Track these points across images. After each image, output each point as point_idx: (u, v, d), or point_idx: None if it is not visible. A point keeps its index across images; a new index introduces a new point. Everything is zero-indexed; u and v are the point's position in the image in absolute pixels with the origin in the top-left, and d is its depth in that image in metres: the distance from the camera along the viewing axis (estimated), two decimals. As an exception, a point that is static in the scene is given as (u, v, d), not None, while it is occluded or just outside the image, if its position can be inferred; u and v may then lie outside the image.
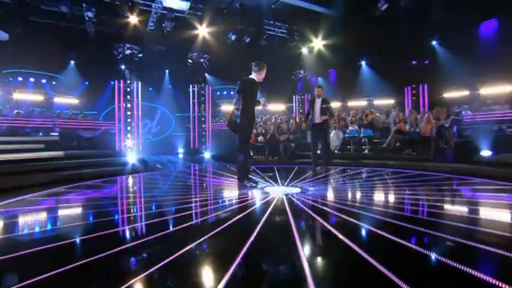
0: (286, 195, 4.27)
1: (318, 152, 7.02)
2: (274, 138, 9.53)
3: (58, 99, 12.30)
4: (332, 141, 9.41)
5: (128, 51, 11.06)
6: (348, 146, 9.50)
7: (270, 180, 5.66)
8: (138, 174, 7.63)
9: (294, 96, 14.36)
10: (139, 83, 11.36)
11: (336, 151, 9.34)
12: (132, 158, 9.81)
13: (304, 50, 13.96)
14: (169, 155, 14.14)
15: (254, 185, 4.92)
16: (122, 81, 10.80)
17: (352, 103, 13.98)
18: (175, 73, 15.44)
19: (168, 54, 13.84)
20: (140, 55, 11.46)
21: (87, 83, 13.78)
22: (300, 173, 6.71)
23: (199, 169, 8.49)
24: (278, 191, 4.57)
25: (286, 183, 5.31)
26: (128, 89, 10.96)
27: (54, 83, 13.08)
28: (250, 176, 5.28)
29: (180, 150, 14.88)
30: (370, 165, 7.70)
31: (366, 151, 9.11)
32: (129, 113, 10.92)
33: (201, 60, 12.90)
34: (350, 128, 9.73)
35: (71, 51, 12.69)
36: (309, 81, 15.06)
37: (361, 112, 10.72)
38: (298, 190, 4.65)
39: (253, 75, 4.84)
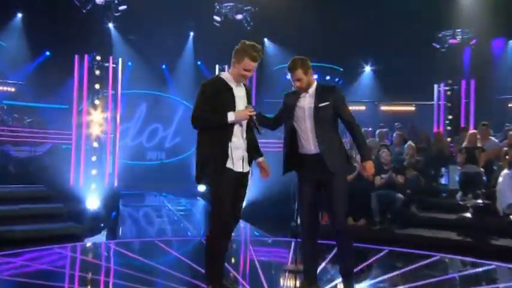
0: None
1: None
2: (362, 179, 8.64)
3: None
4: (501, 193, 8.68)
5: (100, 0, 11.08)
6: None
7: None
8: (81, 243, 7.80)
9: (435, 86, 14.27)
10: (120, 59, 11.56)
11: (510, 215, 8.61)
12: (93, 202, 9.93)
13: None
14: (181, 195, 13.92)
15: None
16: (86, 55, 10.80)
17: None
18: (206, 38, 15.64)
19: (189, 4, 14.03)
20: (123, 7, 11.41)
21: (48, 53, 14.43)
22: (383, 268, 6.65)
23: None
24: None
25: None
26: (98, 72, 10.94)
27: None
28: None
29: (202, 187, 14.56)
30: None
31: None
32: (97, 116, 10.83)
33: (239, 16, 12.76)
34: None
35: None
36: (486, 50, 15.19)
37: None
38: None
39: (224, 74, 4.93)
